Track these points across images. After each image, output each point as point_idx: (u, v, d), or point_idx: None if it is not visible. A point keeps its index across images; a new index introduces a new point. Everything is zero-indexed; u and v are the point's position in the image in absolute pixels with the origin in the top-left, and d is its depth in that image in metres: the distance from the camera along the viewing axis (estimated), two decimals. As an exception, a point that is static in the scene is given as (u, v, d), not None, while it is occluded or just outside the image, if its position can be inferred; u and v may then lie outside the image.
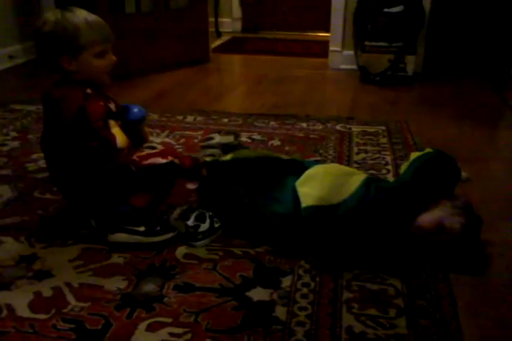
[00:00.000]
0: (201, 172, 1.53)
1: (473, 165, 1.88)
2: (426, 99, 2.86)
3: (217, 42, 4.38)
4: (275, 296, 1.23)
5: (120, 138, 1.34)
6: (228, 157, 1.61)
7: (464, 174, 1.48)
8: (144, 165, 1.39)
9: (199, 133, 2.28)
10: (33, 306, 1.20)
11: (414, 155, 1.51)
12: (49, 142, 1.44)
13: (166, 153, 1.45)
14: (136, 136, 1.47)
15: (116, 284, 1.28)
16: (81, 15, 1.33)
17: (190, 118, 2.47)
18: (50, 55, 1.34)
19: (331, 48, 3.54)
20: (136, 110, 1.44)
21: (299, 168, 1.55)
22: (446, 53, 3.32)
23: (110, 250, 1.42)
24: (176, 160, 1.43)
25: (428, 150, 1.50)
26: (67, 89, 1.35)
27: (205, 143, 1.98)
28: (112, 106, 1.42)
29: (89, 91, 1.35)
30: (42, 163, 1.85)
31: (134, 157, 1.40)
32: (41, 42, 1.35)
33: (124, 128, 1.40)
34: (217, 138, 2.05)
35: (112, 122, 1.36)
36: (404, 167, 1.52)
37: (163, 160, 1.41)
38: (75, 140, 1.34)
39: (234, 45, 4.38)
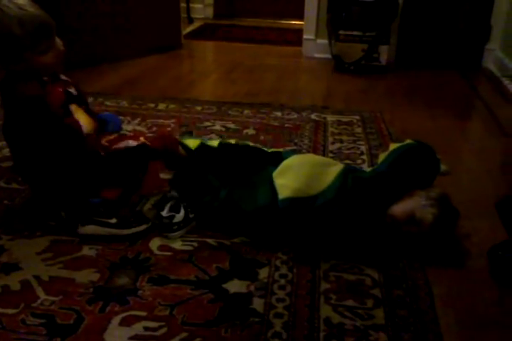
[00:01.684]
0: (177, 153, 1.45)
1: (446, 155, 1.88)
2: (399, 88, 2.87)
3: (189, 29, 4.30)
4: (252, 288, 1.22)
5: (85, 122, 1.31)
6: (215, 143, 1.57)
7: (443, 167, 1.48)
8: (115, 150, 1.33)
9: (172, 121, 2.23)
10: (0, 300, 1.15)
11: (393, 145, 1.51)
12: (12, 132, 1.38)
13: (137, 135, 1.40)
14: None
15: (88, 277, 1.24)
16: (12, 13, 1.20)
17: (162, 106, 2.41)
18: None
19: (305, 37, 3.51)
20: (111, 124, 1.44)
21: (277, 158, 1.53)
22: (419, 43, 3.33)
23: (81, 242, 1.37)
24: (148, 142, 1.37)
25: (408, 141, 1.50)
26: (23, 82, 1.28)
27: None
28: (72, 90, 1.38)
29: (45, 78, 1.31)
30: (6, 152, 1.77)
31: (103, 142, 1.34)
32: None
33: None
34: None
35: (74, 106, 1.32)
36: (382, 157, 1.51)
37: (135, 143, 1.35)
38: (39, 131, 1.30)
39: (206, 32, 4.30)
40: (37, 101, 1.26)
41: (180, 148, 1.49)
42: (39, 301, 1.15)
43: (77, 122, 1.29)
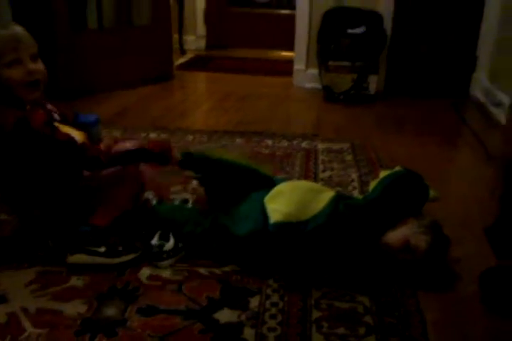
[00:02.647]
0: (170, 157, 1.49)
1: (435, 181, 1.89)
2: (388, 117, 2.91)
3: (182, 60, 4.37)
4: (243, 317, 1.20)
5: (75, 134, 1.34)
6: (216, 156, 1.64)
7: (432, 193, 1.49)
8: (112, 153, 1.37)
9: (163, 150, 2.23)
10: (-15, 334, 1.13)
11: (383, 173, 1.52)
12: None
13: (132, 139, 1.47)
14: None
15: (75, 308, 1.22)
16: None
17: (153, 135, 2.43)
18: None
19: (296, 67, 3.58)
20: (85, 115, 1.48)
21: (268, 183, 1.54)
22: (407, 73, 3.40)
23: (69, 272, 1.35)
24: (145, 145, 1.43)
25: (398, 168, 1.51)
26: (3, 108, 1.30)
27: None
28: (56, 115, 1.40)
29: (28, 107, 1.32)
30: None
31: (102, 147, 1.37)
32: None
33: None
34: None
35: (57, 124, 1.35)
36: (373, 184, 1.52)
37: (133, 147, 1.40)
38: (29, 152, 1.31)
39: (198, 63, 4.37)
40: (21, 123, 1.27)
41: (175, 152, 1.52)
42: (26, 334, 1.13)
43: (68, 135, 1.31)
